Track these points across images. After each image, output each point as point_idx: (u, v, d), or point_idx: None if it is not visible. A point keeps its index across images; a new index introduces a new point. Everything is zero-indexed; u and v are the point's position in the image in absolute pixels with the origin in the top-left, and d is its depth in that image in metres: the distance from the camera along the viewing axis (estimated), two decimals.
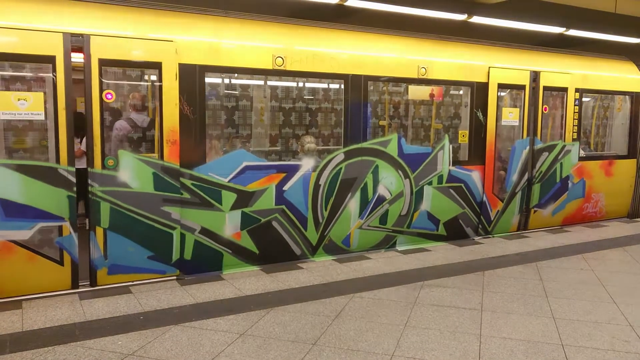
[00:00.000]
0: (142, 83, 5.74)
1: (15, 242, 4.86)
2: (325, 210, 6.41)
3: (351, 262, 6.22)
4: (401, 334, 4.23)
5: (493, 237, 7.81)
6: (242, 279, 5.54)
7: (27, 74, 4.98)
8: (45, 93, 4.90)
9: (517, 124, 8.00)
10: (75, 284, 5.17)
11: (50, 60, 4.87)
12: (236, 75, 6.17)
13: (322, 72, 6.29)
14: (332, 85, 6.78)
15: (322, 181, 6.33)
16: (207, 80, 5.69)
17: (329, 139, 6.77)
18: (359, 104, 6.54)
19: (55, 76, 4.88)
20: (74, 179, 5.01)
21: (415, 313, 4.67)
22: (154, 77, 5.57)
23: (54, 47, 4.87)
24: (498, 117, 7.74)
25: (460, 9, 7.61)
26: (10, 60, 4.82)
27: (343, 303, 4.88)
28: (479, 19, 7.79)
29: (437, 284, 5.46)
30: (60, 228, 5.03)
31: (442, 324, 4.43)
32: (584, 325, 4.46)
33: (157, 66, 5.33)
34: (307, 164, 6.23)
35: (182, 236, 5.57)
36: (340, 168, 6.45)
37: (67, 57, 4.91)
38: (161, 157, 5.38)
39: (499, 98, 7.74)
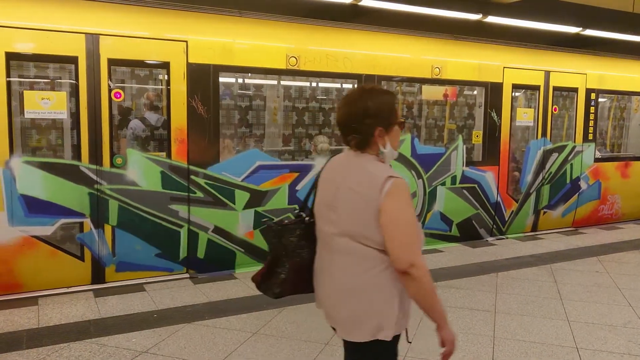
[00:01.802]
0: (151, 82, 5.79)
1: (38, 237, 4.95)
2: None
3: None
4: (414, 335, 4.21)
5: (507, 238, 7.76)
6: None
7: (51, 73, 5.09)
8: (67, 92, 5.00)
9: (531, 124, 7.94)
10: (95, 279, 5.24)
11: (73, 60, 4.95)
12: (250, 75, 6.19)
13: (336, 72, 6.28)
14: (346, 85, 6.79)
15: None
16: (221, 80, 5.71)
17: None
18: None
19: (78, 76, 4.96)
20: (95, 177, 5.08)
21: None
22: (161, 77, 5.64)
23: (77, 48, 4.95)
24: (512, 118, 7.70)
25: (475, 9, 7.54)
26: (37, 61, 4.96)
27: None
28: (494, 18, 7.72)
29: (450, 285, 5.43)
30: (81, 224, 5.12)
31: (455, 326, 4.40)
32: (599, 328, 4.41)
33: (165, 66, 5.37)
34: (320, 163, 6.23)
35: (194, 235, 5.60)
36: None
37: (88, 58, 4.99)
38: (169, 155, 5.42)
39: (513, 98, 7.68)
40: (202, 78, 5.50)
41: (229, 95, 6.19)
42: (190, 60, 5.42)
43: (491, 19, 7.73)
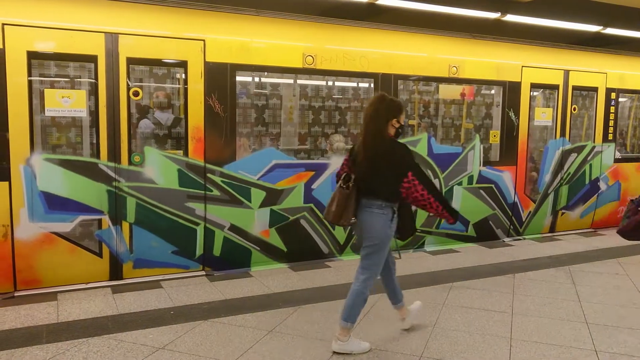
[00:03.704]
0: (168, 81, 5.84)
1: (57, 234, 5.03)
2: None
3: None
4: (429, 335, 4.19)
5: (524, 239, 7.68)
6: (270, 277, 5.57)
7: (71, 72, 5.16)
8: (87, 91, 5.06)
9: (550, 124, 7.85)
10: (113, 276, 5.30)
11: (93, 59, 5.01)
12: (266, 74, 6.21)
13: (352, 71, 6.28)
14: (362, 84, 6.77)
15: None
16: (238, 78, 5.74)
17: (357, 138, 6.74)
18: None
19: (97, 74, 5.02)
20: (113, 174, 5.14)
21: (444, 314, 4.62)
22: (179, 76, 5.68)
23: (97, 47, 5.00)
24: (530, 117, 7.61)
25: (493, 7, 7.49)
26: (57, 60, 5.03)
27: (370, 303, 4.85)
28: (512, 17, 7.65)
29: (466, 286, 5.39)
30: (99, 221, 5.18)
31: (472, 327, 4.37)
32: (619, 331, 4.34)
33: (183, 65, 5.41)
34: (335, 162, 6.22)
35: (210, 232, 5.64)
36: None
37: (108, 57, 5.05)
38: (186, 153, 5.46)
39: (531, 98, 7.60)
40: (219, 77, 5.53)
41: (246, 94, 6.21)
42: (207, 59, 5.45)
43: (510, 18, 7.66)
